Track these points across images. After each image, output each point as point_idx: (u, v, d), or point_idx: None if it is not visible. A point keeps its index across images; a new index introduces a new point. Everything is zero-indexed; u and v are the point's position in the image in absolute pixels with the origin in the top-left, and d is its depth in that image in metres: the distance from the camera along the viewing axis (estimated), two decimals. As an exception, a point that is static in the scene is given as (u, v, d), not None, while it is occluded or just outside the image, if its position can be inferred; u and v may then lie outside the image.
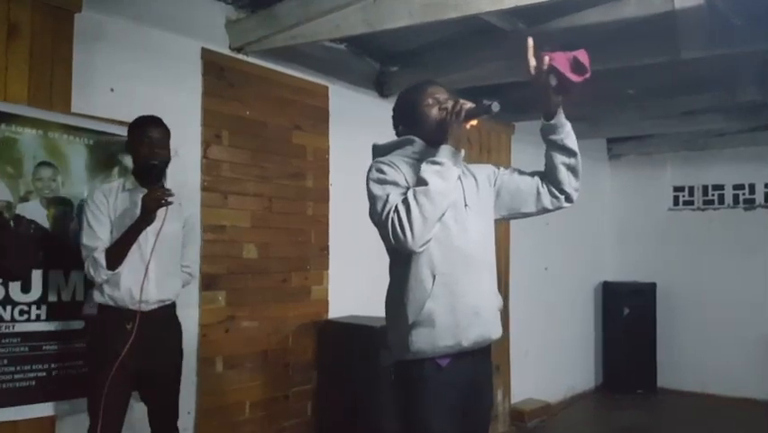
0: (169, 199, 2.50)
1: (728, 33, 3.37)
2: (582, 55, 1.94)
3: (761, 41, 3.44)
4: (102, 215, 2.56)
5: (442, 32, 3.76)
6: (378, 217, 1.89)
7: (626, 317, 6.63)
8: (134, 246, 2.54)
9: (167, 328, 2.71)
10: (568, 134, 2.04)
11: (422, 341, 1.91)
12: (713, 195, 6.61)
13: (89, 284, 2.72)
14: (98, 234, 2.54)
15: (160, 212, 2.53)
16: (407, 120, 2.09)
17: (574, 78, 1.91)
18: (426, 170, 1.86)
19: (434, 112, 2.01)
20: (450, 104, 1.99)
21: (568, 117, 2.06)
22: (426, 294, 1.89)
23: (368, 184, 1.96)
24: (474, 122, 1.98)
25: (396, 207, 1.83)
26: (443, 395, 1.91)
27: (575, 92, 1.94)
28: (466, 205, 2.00)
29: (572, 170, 2.08)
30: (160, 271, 2.61)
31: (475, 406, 2.02)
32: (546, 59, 1.90)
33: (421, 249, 1.85)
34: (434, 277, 1.90)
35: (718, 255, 6.43)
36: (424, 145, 2.02)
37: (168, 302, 2.69)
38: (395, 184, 1.91)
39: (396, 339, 1.98)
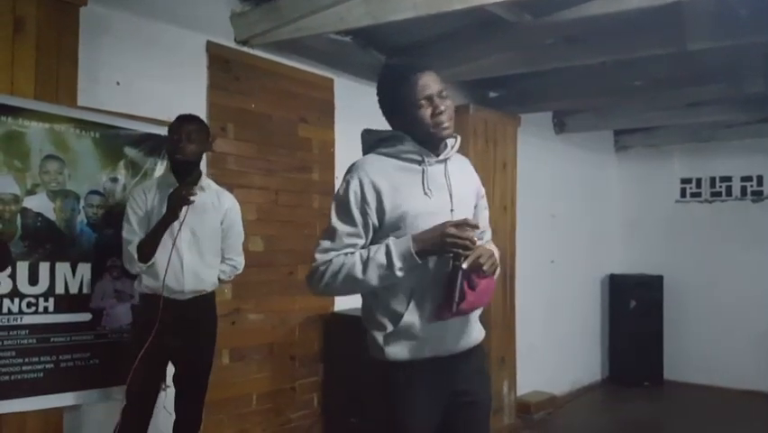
0: (192, 198, 2.62)
1: (735, 24, 3.35)
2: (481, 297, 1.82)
3: (766, 33, 3.41)
4: (140, 209, 2.71)
5: (447, 24, 3.75)
6: (318, 238, 1.87)
7: (633, 309, 6.61)
8: (168, 239, 2.66)
9: (201, 317, 2.81)
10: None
11: (399, 352, 1.85)
12: (721, 187, 6.58)
13: (96, 277, 2.77)
14: (135, 228, 2.69)
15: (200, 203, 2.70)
16: (395, 117, 1.91)
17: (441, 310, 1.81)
18: (375, 256, 1.75)
19: (427, 116, 1.83)
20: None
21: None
22: (404, 307, 1.83)
23: (335, 195, 1.89)
24: None
25: (329, 262, 1.80)
26: (418, 394, 1.85)
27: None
28: (452, 210, 1.89)
29: None
30: (195, 264, 2.74)
31: (464, 402, 1.92)
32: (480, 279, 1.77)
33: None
34: (411, 291, 1.83)
35: (726, 248, 6.40)
36: (414, 146, 1.86)
37: (203, 293, 2.80)
38: (349, 221, 1.81)
39: (373, 343, 1.91)
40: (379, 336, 1.87)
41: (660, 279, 6.66)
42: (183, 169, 2.72)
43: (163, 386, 2.80)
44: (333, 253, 1.82)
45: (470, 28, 3.80)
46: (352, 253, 1.81)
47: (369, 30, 3.71)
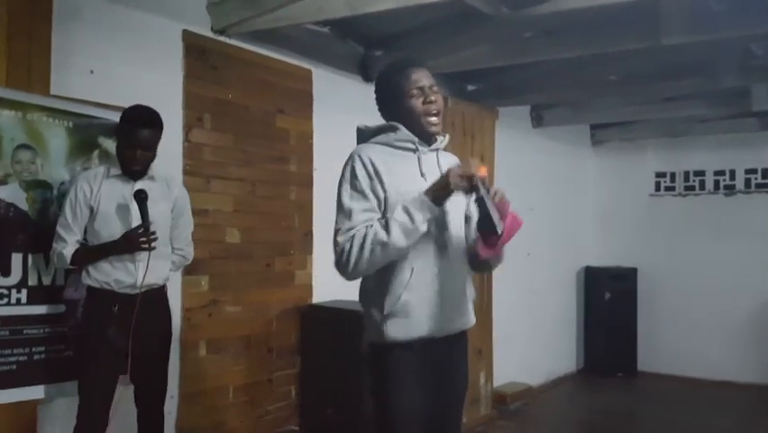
0: (153, 245, 2.54)
1: (709, 19, 3.40)
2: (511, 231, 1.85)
3: (741, 28, 3.47)
4: (80, 207, 2.57)
5: (426, 16, 3.74)
6: (335, 225, 1.92)
7: (608, 301, 6.70)
8: (121, 229, 2.56)
9: (155, 311, 2.71)
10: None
11: (396, 330, 1.93)
12: (694, 181, 6.69)
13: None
14: (73, 229, 2.58)
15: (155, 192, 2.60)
16: (390, 108, 2.04)
17: (485, 249, 1.87)
18: (397, 217, 1.83)
19: (419, 105, 1.97)
20: (435, 97, 1.96)
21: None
22: (403, 286, 1.92)
23: (341, 178, 1.96)
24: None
25: (353, 237, 1.85)
26: (412, 375, 1.95)
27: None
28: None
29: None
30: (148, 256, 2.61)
31: (448, 388, 2.05)
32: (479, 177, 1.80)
33: (352, 281, 1.92)
34: (411, 270, 1.92)
35: (699, 241, 6.51)
36: (407, 134, 1.99)
37: (156, 286, 2.70)
38: (362, 196, 1.89)
39: (371, 325, 1.99)
40: (378, 316, 1.95)
41: (634, 271, 6.76)
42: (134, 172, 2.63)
43: (121, 384, 2.68)
44: (353, 231, 1.87)
45: (449, 20, 3.80)
46: (371, 226, 1.86)
47: (347, 21, 3.70)
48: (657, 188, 6.89)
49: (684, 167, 6.74)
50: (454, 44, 3.90)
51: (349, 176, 1.93)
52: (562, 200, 6.52)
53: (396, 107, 2.00)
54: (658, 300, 6.69)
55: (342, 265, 1.88)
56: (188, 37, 3.33)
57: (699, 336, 6.39)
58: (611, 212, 7.04)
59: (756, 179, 6.39)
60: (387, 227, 1.83)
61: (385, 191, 1.91)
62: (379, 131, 2.04)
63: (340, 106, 4.11)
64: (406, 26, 3.99)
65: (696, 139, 6.55)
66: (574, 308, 6.94)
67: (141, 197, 2.56)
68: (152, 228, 2.57)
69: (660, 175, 6.88)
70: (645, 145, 6.92)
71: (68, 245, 2.56)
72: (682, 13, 3.31)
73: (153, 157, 2.66)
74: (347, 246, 1.85)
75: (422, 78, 1.99)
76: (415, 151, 1.98)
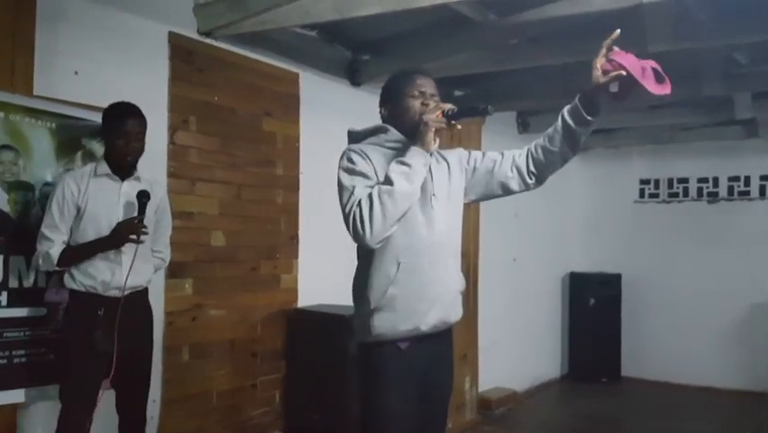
0: (143, 237, 2.53)
1: (694, 28, 3.43)
2: (658, 67, 1.92)
3: (725, 37, 3.51)
4: (67, 206, 2.53)
5: (413, 21, 3.76)
6: (342, 207, 1.94)
7: (592, 307, 6.73)
8: (106, 229, 2.54)
9: (139, 315, 2.69)
10: (589, 133, 2.06)
11: (383, 325, 1.97)
12: (678, 188, 6.75)
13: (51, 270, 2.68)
14: (60, 228, 2.53)
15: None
16: (390, 106, 2.10)
17: (655, 88, 1.91)
18: (394, 169, 1.89)
19: (417, 105, 2.03)
20: (433, 103, 2.01)
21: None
22: (389, 280, 1.95)
23: (338, 171, 2.00)
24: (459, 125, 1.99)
25: (359, 201, 1.87)
26: (400, 377, 1.97)
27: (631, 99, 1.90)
28: (433, 194, 2.03)
29: (565, 162, 2.13)
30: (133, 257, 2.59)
31: (434, 387, 2.08)
32: (614, 66, 1.87)
33: (377, 246, 1.90)
34: (398, 264, 1.96)
35: (682, 247, 6.57)
36: (398, 135, 2.05)
37: (140, 288, 2.68)
38: (363, 175, 1.94)
39: (359, 322, 2.03)
40: (365, 311, 1.98)
41: (618, 277, 6.80)
42: (126, 165, 2.61)
43: (103, 388, 2.63)
44: (357, 198, 1.89)
45: (436, 26, 3.81)
46: (373, 188, 1.90)
47: (334, 25, 3.70)
48: (641, 194, 6.95)
49: (668, 174, 6.80)
50: (441, 50, 3.91)
51: (346, 163, 1.97)
52: (548, 206, 6.54)
53: (395, 105, 2.08)
54: (642, 306, 6.73)
55: (359, 231, 1.86)
56: (174, 39, 3.31)
57: (683, 341, 6.44)
58: (596, 218, 7.08)
59: (739, 186, 6.46)
60: (388, 180, 1.87)
61: (379, 181, 1.94)
62: (369, 133, 2.11)
63: (327, 110, 4.11)
64: (394, 31, 4.00)
65: (680, 146, 6.61)
66: (559, 313, 6.97)
67: (144, 195, 2.57)
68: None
69: (644, 182, 6.94)
70: (630, 152, 6.98)
71: (54, 245, 2.51)
72: (667, 21, 3.34)
73: (143, 149, 2.64)
74: (356, 211, 1.87)
75: (426, 85, 2.07)
76: (405, 151, 1.99)
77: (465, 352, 4.92)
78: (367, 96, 4.35)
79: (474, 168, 2.17)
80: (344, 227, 1.96)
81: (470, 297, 5.04)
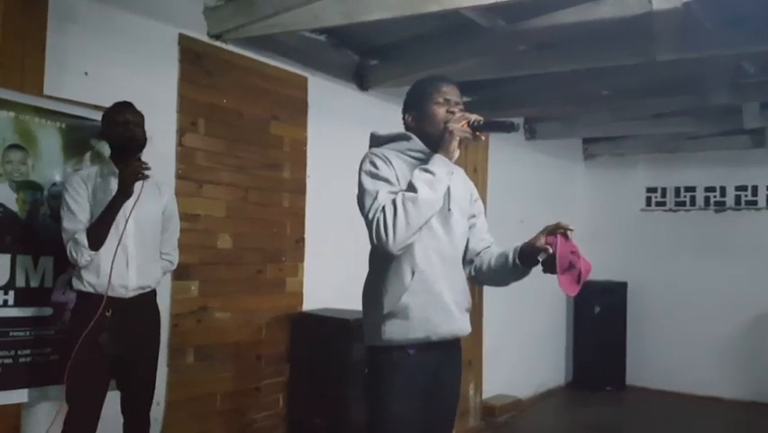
0: (146, 173, 2.51)
1: (702, 37, 3.43)
2: (586, 273, 2.02)
3: (733, 46, 3.51)
4: (81, 198, 2.54)
5: (422, 26, 3.76)
6: (364, 212, 1.93)
7: (597, 315, 6.71)
8: (113, 231, 2.52)
9: (146, 315, 2.69)
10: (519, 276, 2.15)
11: (394, 331, 1.97)
12: (685, 196, 6.73)
13: (59, 270, 2.69)
14: (79, 218, 2.53)
15: (136, 189, 2.52)
16: (415, 113, 2.10)
17: (564, 283, 1.99)
18: (418, 177, 1.88)
19: (442, 112, 2.03)
20: (458, 111, 2.02)
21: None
22: (404, 288, 1.95)
23: (360, 174, 1.99)
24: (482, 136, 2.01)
25: (383, 207, 1.86)
26: (408, 381, 1.97)
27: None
28: (449, 209, 2.04)
29: (505, 285, 2.23)
30: (140, 258, 2.60)
31: (441, 394, 2.07)
32: (549, 248, 1.95)
33: (399, 252, 1.89)
34: (413, 273, 1.96)
35: (689, 256, 6.54)
36: (420, 145, 2.05)
37: (148, 289, 2.68)
38: (386, 181, 1.94)
39: (369, 326, 2.03)
40: (377, 317, 1.98)
41: (624, 285, 6.77)
42: (133, 149, 2.59)
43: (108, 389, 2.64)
44: (381, 203, 1.88)
45: (445, 32, 3.82)
46: (397, 194, 1.89)
47: (343, 29, 3.72)
48: (648, 203, 6.93)
49: (675, 183, 6.78)
50: (449, 55, 3.92)
51: (370, 167, 1.97)
52: (553, 213, 6.43)
53: (419, 111, 2.07)
54: (647, 315, 6.70)
55: (383, 237, 1.84)
56: (184, 41, 3.33)
57: (688, 351, 6.41)
58: (602, 226, 7.05)
59: (746, 196, 6.44)
60: (411, 188, 1.87)
61: (401, 189, 1.94)
62: (391, 139, 2.09)
63: (334, 114, 4.11)
64: (402, 36, 4.01)
65: (687, 155, 6.60)
66: (564, 321, 6.95)
67: (129, 138, 2.58)
68: (143, 228, 2.58)
69: (651, 190, 6.92)
70: (637, 160, 6.97)
71: (79, 232, 2.49)
72: (676, 29, 3.34)
73: (145, 138, 2.63)
74: (380, 217, 1.85)
75: (451, 92, 2.08)
76: (426, 161, 1.98)
77: (469, 358, 4.91)
78: (374, 100, 4.37)
79: (471, 214, 2.20)
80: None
81: (475, 302, 5.03)
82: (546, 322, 6.58)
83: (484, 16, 3.47)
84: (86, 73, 2.90)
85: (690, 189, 6.70)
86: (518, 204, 5.87)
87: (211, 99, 3.47)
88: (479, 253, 2.18)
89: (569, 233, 1.96)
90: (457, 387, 2.17)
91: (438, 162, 1.91)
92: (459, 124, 1.95)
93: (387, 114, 4.22)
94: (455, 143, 1.94)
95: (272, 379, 3.81)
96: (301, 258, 3.99)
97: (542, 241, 1.96)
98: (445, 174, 1.91)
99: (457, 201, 2.09)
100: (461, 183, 2.15)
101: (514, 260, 2.06)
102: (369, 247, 2.08)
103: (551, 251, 1.93)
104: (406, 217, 1.83)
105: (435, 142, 1.99)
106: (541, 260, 1.97)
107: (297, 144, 3.98)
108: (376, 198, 1.89)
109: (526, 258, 2.03)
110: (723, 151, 6.35)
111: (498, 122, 1.97)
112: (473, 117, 1.97)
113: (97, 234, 2.49)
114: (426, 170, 1.89)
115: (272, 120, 3.82)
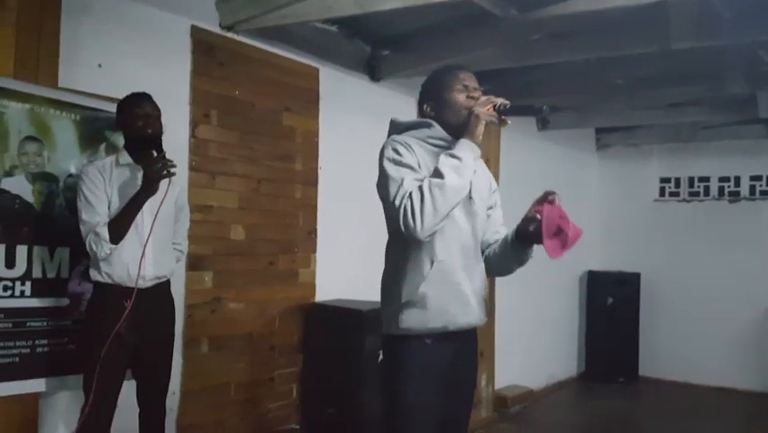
0: (172, 171, 2.51)
1: (717, 26, 3.39)
2: (574, 237, 1.97)
3: (748, 35, 3.46)
4: (99, 190, 2.54)
5: (434, 16, 3.74)
6: (389, 199, 1.90)
7: (610, 306, 6.69)
8: (132, 225, 2.54)
9: (162, 306, 2.72)
10: (529, 258, 2.11)
11: (412, 320, 1.96)
12: (699, 186, 6.68)
13: (75, 261, 2.71)
14: (97, 210, 2.53)
15: (162, 186, 2.53)
16: (434, 102, 2.08)
17: (549, 245, 1.93)
18: (444, 162, 1.86)
19: (462, 98, 2.02)
20: (484, 97, 2.00)
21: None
22: (422, 278, 1.95)
23: (382, 161, 1.97)
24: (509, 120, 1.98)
25: (410, 194, 1.84)
26: (425, 370, 1.97)
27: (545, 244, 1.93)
28: (470, 198, 2.03)
29: (510, 272, 2.19)
30: (156, 248, 2.62)
31: (458, 383, 2.08)
32: (538, 216, 1.93)
33: (427, 239, 1.88)
34: (432, 263, 1.95)
35: (702, 247, 6.50)
36: (441, 132, 2.03)
37: (163, 279, 2.70)
38: (410, 168, 1.92)
39: (387, 314, 2.03)
40: (395, 305, 1.98)
41: (637, 276, 6.74)
42: (148, 147, 2.57)
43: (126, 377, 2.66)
44: (407, 190, 1.87)
45: (458, 21, 3.80)
46: (423, 181, 1.88)
47: (355, 20, 3.71)
48: (662, 193, 6.88)
49: (689, 172, 6.73)
50: (462, 45, 3.90)
51: (393, 154, 1.94)
52: (567, 204, 6.44)
53: (438, 100, 2.05)
54: (661, 306, 6.68)
55: (410, 224, 1.83)
56: (197, 33, 3.33)
57: (701, 341, 6.38)
58: (615, 216, 7.03)
59: (761, 185, 6.39)
60: (438, 174, 1.85)
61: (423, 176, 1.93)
62: (412, 126, 2.08)
63: (346, 105, 4.11)
64: (414, 26, 3.99)
65: (701, 145, 6.54)
66: (576, 311, 6.93)
67: (149, 133, 2.57)
68: (159, 219, 2.57)
69: (664, 180, 6.87)
70: (650, 150, 6.92)
71: (99, 224, 2.49)
72: (691, 18, 3.31)
73: (161, 129, 2.63)
74: (407, 204, 1.83)
75: (469, 79, 2.06)
76: (447, 149, 1.96)
77: (482, 349, 4.89)
78: (386, 91, 4.36)
79: (489, 205, 2.18)
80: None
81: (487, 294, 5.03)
82: (559, 313, 6.57)
83: (497, 5, 3.44)
84: (99, 65, 2.92)
85: (705, 179, 6.64)
86: (531, 194, 5.80)
87: (223, 91, 3.47)
88: (490, 245, 2.16)
89: (557, 199, 1.94)
90: (473, 377, 2.17)
91: (464, 147, 1.90)
92: (484, 108, 1.94)
93: (399, 104, 4.24)
94: (481, 127, 1.93)
95: (286, 369, 3.84)
96: (313, 249, 4.00)
97: (531, 213, 1.95)
98: (472, 160, 1.89)
99: (478, 191, 2.07)
100: (481, 173, 2.12)
101: (512, 239, 2.04)
102: (381, 237, 2.09)
103: (539, 217, 1.91)
104: (433, 204, 1.81)
105: (456, 130, 1.98)
106: (531, 230, 1.94)
107: (309, 135, 3.98)
108: (402, 184, 1.87)
109: (522, 235, 2.00)
110: (737, 140, 6.29)
111: (527, 106, 1.98)
112: (499, 101, 1.95)
113: (119, 228, 2.51)
114: (453, 156, 1.87)
115: (284, 111, 3.82)
